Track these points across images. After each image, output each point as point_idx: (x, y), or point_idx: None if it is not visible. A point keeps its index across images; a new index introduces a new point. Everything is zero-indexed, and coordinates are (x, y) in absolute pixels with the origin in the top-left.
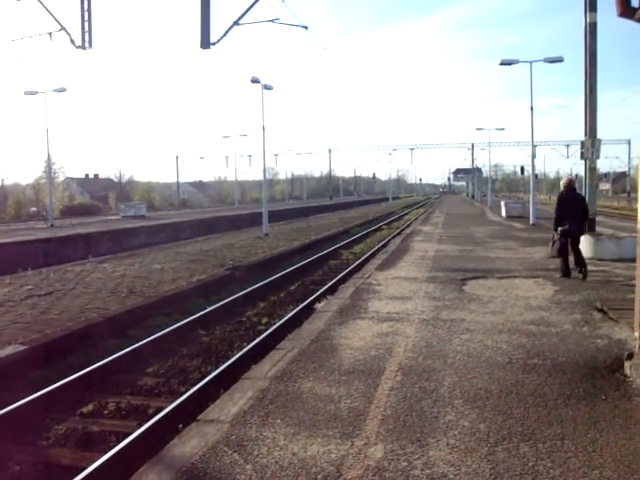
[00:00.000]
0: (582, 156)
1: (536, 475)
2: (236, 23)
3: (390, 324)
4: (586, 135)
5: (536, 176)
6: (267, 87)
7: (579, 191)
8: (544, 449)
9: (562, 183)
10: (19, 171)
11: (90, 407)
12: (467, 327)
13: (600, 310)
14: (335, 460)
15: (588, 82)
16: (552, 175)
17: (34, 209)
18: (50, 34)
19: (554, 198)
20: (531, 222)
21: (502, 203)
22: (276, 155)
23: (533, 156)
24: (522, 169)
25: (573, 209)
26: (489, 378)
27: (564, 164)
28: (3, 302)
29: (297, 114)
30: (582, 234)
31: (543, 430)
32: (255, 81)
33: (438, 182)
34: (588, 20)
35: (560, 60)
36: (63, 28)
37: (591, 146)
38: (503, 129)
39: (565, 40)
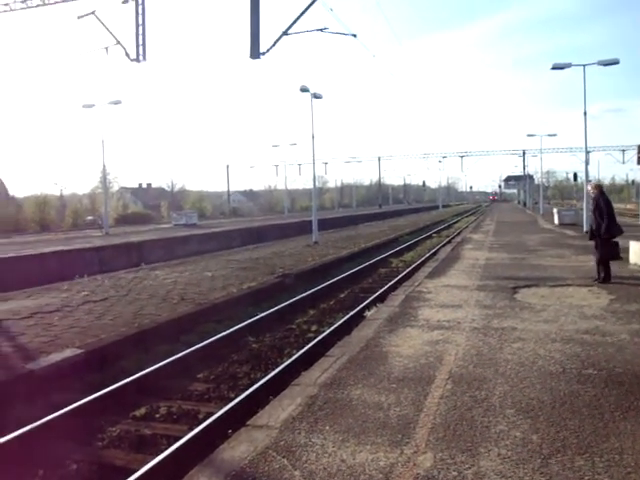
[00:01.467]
0: (639, 161)
1: None
2: (285, 33)
3: (440, 332)
4: None
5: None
6: (316, 96)
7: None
8: (601, 463)
9: (593, 188)
10: (76, 181)
11: (142, 411)
12: (519, 336)
13: None
14: (384, 468)
15: None
16: (607, 181)
17: (90, 218)
18: (106, 48)
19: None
20: (585, 230)
21: (554, 210)
22: (325, 163)
23: (586, 162)
24: (575, 176)
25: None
26: (542, 388)
27: (619, 170)
28: (61, 307)
29: (346, 122)
30: None
31: (600, 443)
32: (304, 90)
33: (489, 190)
34: None
35: (616, 62)
36: (119, 42)
37: None
38: (555, 135)
39: (612, 43)
